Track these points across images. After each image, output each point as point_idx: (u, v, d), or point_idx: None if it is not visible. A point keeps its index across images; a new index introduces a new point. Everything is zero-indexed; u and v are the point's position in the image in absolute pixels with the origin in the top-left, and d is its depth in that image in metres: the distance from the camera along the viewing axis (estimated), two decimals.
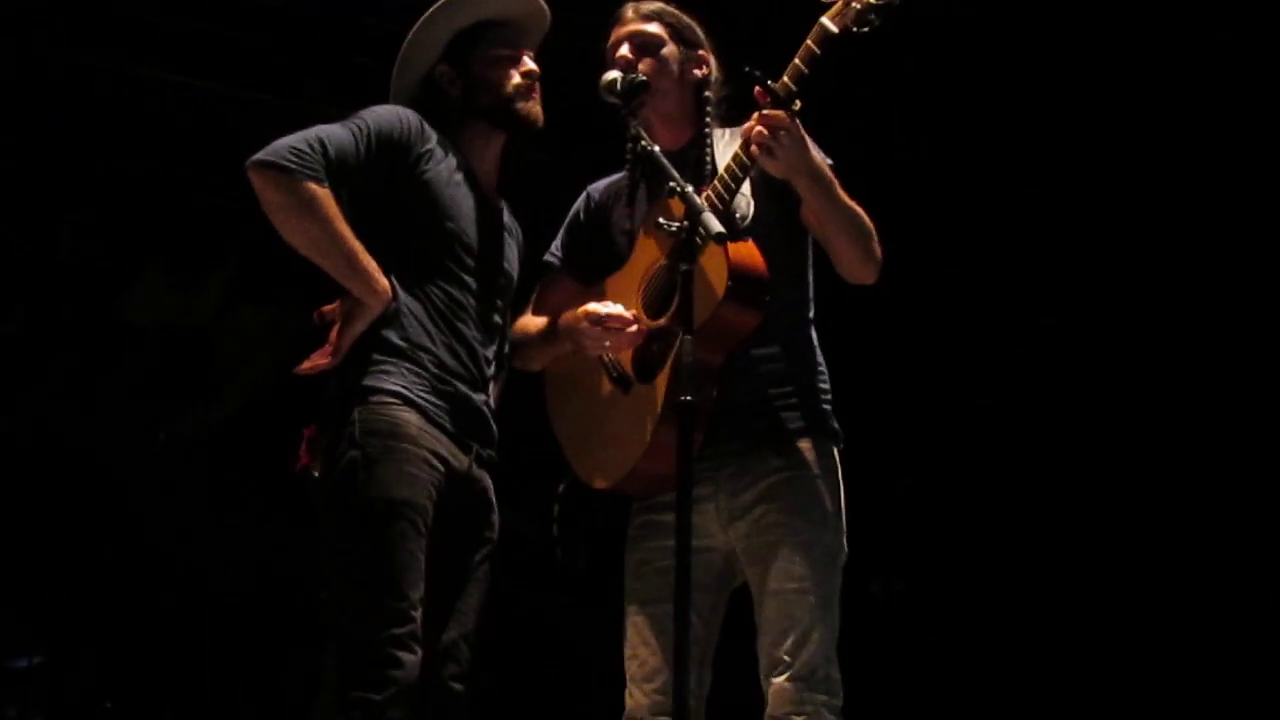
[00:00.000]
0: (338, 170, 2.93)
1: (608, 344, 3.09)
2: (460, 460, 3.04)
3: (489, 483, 3.16)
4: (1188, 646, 5.58)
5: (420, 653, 2.88)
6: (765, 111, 2.89)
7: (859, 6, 2.85)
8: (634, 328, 3.07)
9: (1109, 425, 5.81)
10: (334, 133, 2.96)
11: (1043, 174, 5.62)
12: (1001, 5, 4.96)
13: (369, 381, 2.97)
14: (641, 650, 3.14)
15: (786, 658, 2.99)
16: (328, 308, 3.03)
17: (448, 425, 3.02)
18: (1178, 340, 5.64)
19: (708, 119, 3.21)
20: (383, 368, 2.99)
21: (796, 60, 2.91)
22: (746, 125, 2.93)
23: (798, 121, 2.90)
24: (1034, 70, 5.27)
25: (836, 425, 3.20)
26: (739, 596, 3.20)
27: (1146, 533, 5.70)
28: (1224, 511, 5.62)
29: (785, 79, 2.91)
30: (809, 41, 2.90)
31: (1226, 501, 5.62)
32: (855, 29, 2.87)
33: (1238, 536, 5.60)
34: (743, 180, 3.00)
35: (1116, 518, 5.78)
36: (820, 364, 3.22)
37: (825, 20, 2.89)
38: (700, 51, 3.26)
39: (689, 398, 2.63)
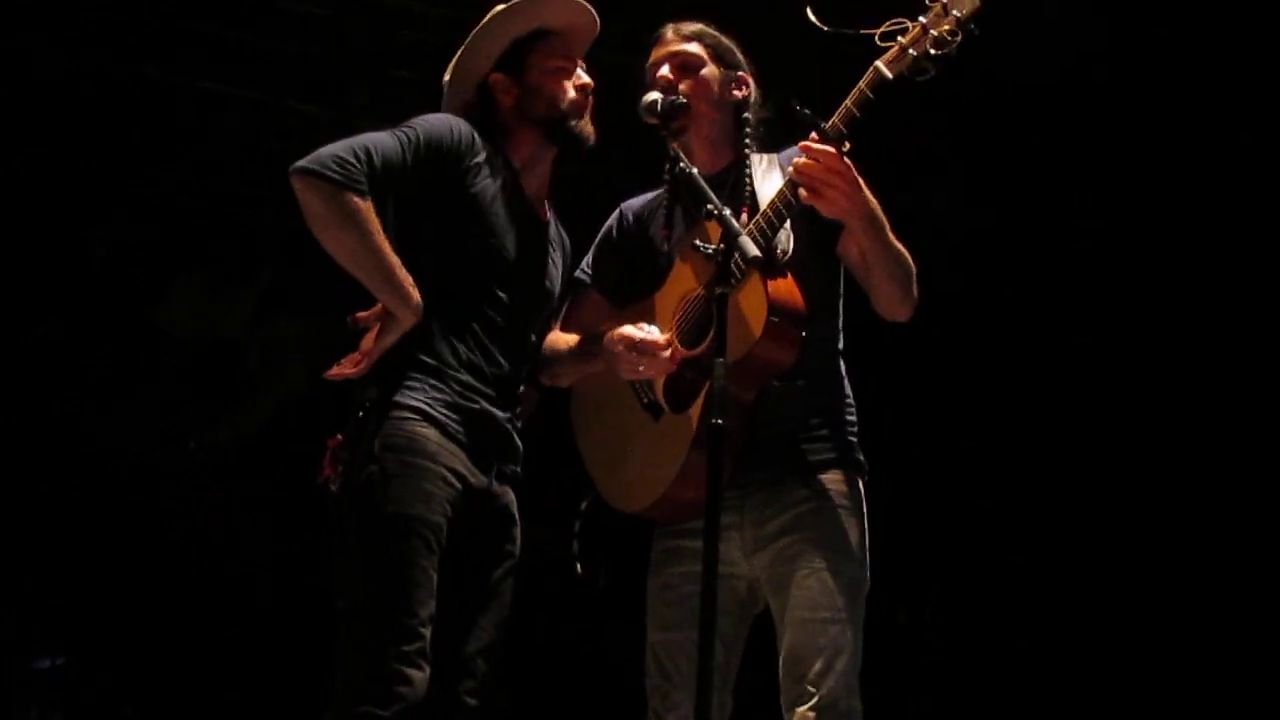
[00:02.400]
0: (383, 179, 2.92)
1: (641, 368, 3.07)
2: (479, 477, 3.03)
3: (512, 498, 3.15)
4: (1221, 674, 5.53)
5: (429, 670, 2.86)
6: (813, 146, 2.85)
7: (915, 54, 2.82)
8: (667, 353, 3.05)
9: (1142, 453, 5.76)
10: (381, 141, 2.95)
11: (1051, 189, 5.61)
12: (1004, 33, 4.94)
13: (391, 396, 2.97)
14: (663, 678, 3.12)
15: (809, 688, 2.97)
16: (362, 314, 3.03)
17: (467, 441, 3.01)
18: (1225, 366, 5.60)
19: (746, 142, 3.19)
20: (406, 382, 2.99)
21: (848, 102, 2.88)
22: (794, 163, 2.90)
23: (849, 163, 2.87)
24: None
25: (862, 458, 3.18)
26: (761, 625, 3.18)
27: (1180, 562, 5.65)
28: (1265, 535, 5.57)
29: (836, 120, 2.88)
30: (862, 85, 2.87)
31: (1267, 525, 5.57)
32: (910, 76, 2.85)
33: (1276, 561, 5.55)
34: (787, 217, 2.98)
35: (1149, 548, 5.73)
36: (848, 396, 3.20)
37: (880, 65, 2.86)
38: (740, 73, 3.24)
39: (720, 421, 2.60)
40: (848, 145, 2.87)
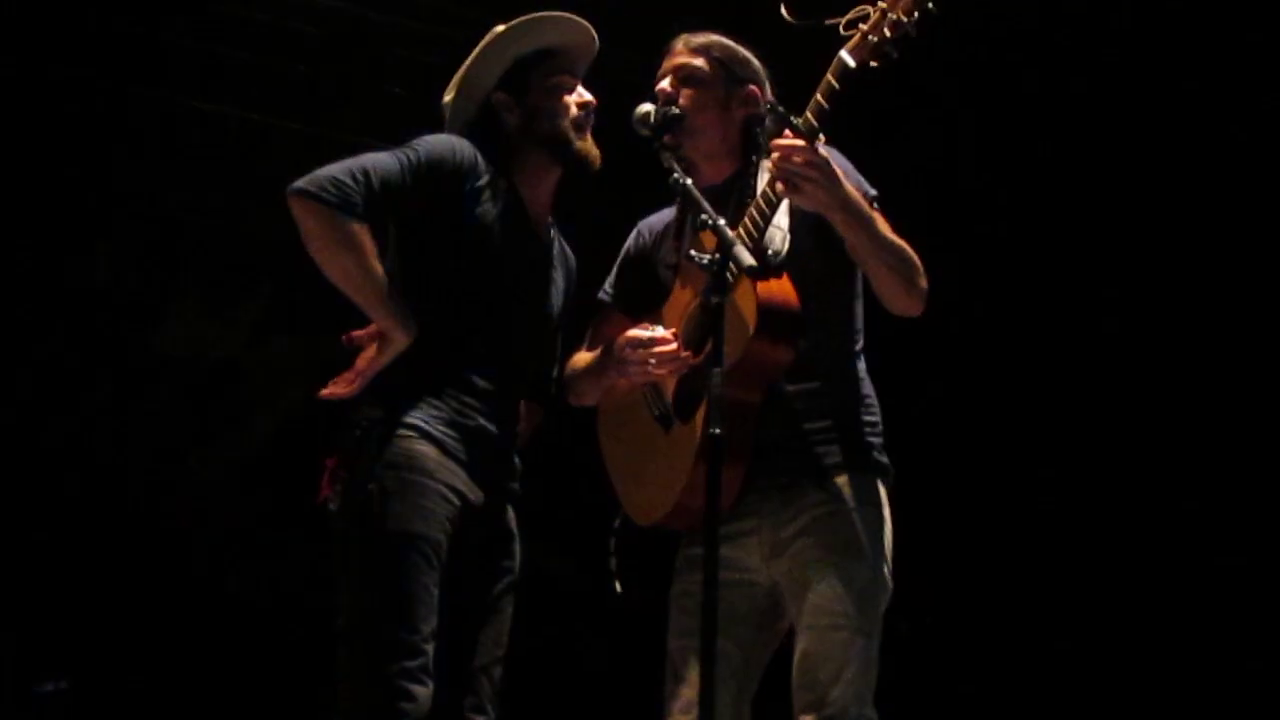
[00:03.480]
0: (381, 201, 2.94)
1: (650, 368, 3.07)
2: (478, 493, 3.04)
3: (511, 515, 3.17)
4: (1226, 688, 5.51)
5: (432, 685, 2.87)
6: (779, 140, 2.88)
7: (875, 40, 2.85)
8: (674, 346, 3.05)
9: (1147, 461, 5.75)
10: (380, 162, 2.96)
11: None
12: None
13: (388, 414, 2.98)
14: (680, 684, 3.11)
15: (818, 696, 2.97)
16: (357, 333, 3.04)
17: (466, 458, 3.02)
18: (1227, 367, 5.60)
19: (754, 157, 3.17)
20: (403, 400, 3.00)
21: (817, 94, 2.91)
22: (771, 159, 2.92)
23: (822, 154, 2.89)
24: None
25: (885, 460, 3.17)
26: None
27: (1187, 573, 5.64)
28: (1266, 538, 5.57)
29: (807, 114, 2.90)
30: (828, 75, 2.90)
31: (1268, 528, 5.56)
32: (873, 62, 2.87)
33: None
34: (771, 216, 2.98)
35: (1154, 558, 5.72)
36: (868, 397, 3.18)
37: (844, 54, 2.89)
38: (749, 86, 3.22)
39: (718, 431, 2.60)
40: (822, 138, 2.90)
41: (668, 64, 3.25)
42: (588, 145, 3.21)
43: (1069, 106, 5.41)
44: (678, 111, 3.12)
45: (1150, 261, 5.61)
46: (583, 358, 3.32)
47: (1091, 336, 5.83)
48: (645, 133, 3.10)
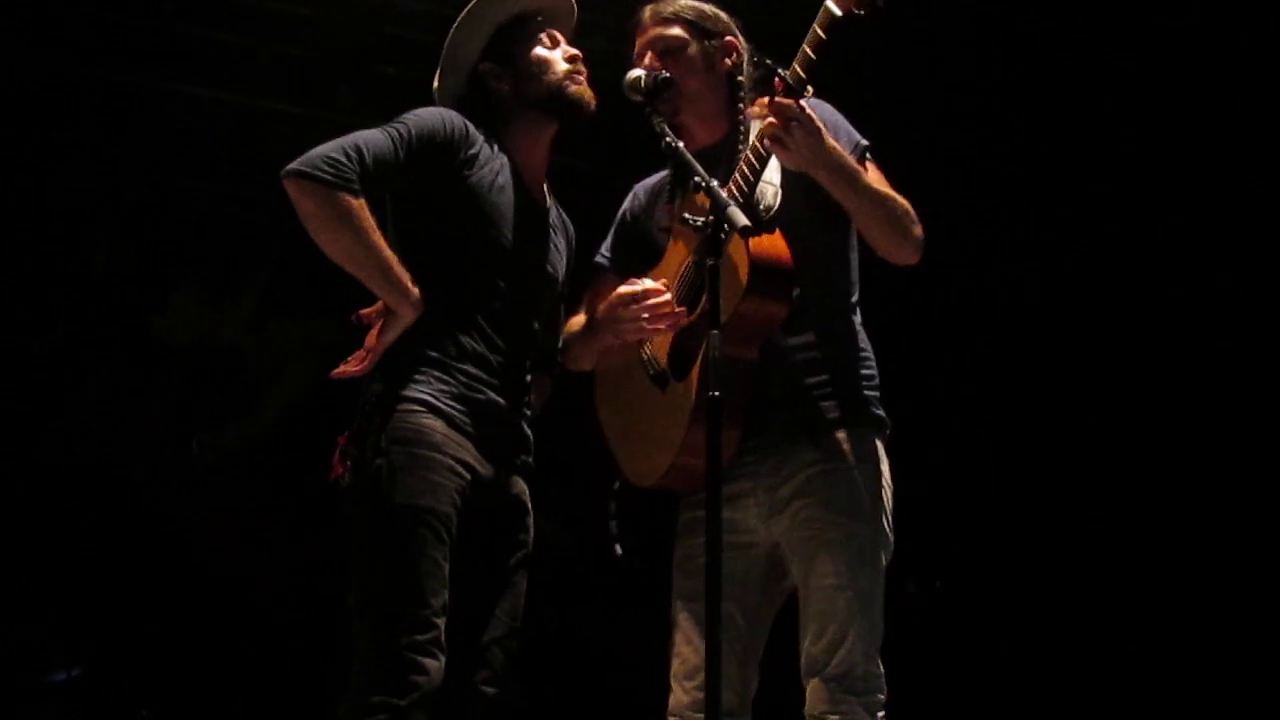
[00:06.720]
0: (376, 177, 2.94)
1: (644, 323, 3.07)
2: (487, 467, 3.04)
3: (523, 487, 3.16)
4: (1224, 650, 5.53)
5: (443, 659, 2.87)
6: (775, 100, 2.89)
7: None
8: (666, 297, 3.05)
9: (1153, 428, 5.75)
10: (372, 139, 2.96)
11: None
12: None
13: (396, 389, 2.98)
14: (684, 647, 3.12)
15: (823, 656, 2.98)
16: (365, 310, 3.04)
17: (475, 432, 3.02)
18: (1236, 343, 5.60)
19: (741, 109, 3.19)
20: (411, 375, 3.00)
21: (805, 47, 2.91)
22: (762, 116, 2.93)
23: (806, 111, 2.89)
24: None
25: (882, 413, 3.16)
26: (790, 596, 3.17)
27: (1187, 537, 5.65)
28: (1266, 521, 5.57)
29: (795, 66, 2.90)
30: (815, 27, 2.90)
31: (1268, 513, 5.57)
32: (858, 10, 2.86)
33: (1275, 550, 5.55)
34: (761, 172, 2.99)
35: (1157, 520, 5.73)
36: (864, 350, 3.18)
37: (829, 3, 2.89)
38: (726, 39, 3.24)
39: (717, 393, 2.61)
40: (810, 90, 2.90)
41: (643, 39, 3.24)
42: (582, 89, 3.19)
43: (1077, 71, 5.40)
44: (668, 75, 3.12)
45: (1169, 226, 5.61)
46: (577, 322, 3.31)
47: (1116, 303, 5.82)
48: (637, 98, 3.10)
